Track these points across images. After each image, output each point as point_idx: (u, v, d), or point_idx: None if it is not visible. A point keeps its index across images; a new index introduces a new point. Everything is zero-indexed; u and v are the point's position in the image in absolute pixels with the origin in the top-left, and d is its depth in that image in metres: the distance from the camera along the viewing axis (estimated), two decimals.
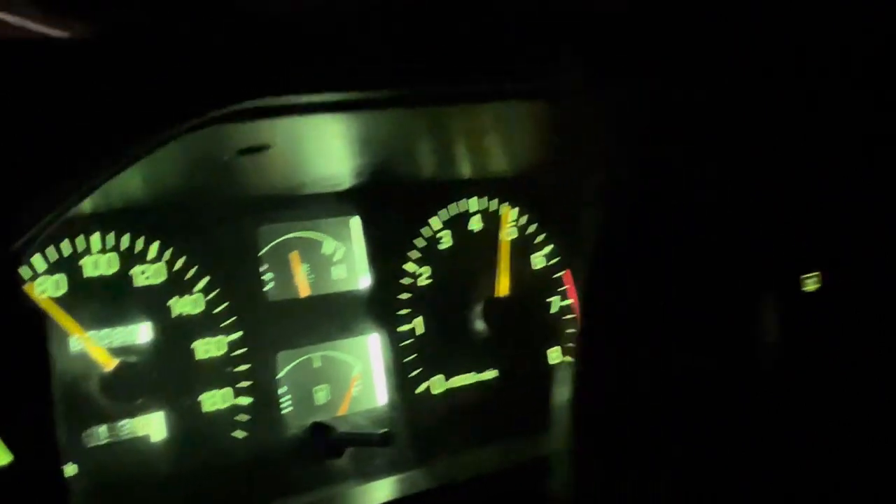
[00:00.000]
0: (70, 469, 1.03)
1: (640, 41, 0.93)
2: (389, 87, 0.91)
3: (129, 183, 0.99)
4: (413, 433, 1.25)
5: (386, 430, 1.12)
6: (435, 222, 1.32)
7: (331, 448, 1.15)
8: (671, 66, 0.88)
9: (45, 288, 1.04)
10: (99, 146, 0.80)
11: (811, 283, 0.74)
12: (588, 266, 0.64)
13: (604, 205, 0.65)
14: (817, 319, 0.75)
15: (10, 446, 0.80)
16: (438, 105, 0.96)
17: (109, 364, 1.05)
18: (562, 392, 0.66)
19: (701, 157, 0.70)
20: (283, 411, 1.18)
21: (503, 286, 1.35)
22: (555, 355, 1.40)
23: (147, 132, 0.81)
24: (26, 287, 1.02)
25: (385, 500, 1.09)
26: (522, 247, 1.39)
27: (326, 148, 1.06)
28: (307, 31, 0.88)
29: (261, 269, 1.19)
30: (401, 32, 0.91)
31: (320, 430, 1.16)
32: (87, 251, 1.07)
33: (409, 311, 1.29)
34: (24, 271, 1.02)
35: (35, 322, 0.82)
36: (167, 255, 1.12)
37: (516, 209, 1.39)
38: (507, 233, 1.37)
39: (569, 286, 1.41)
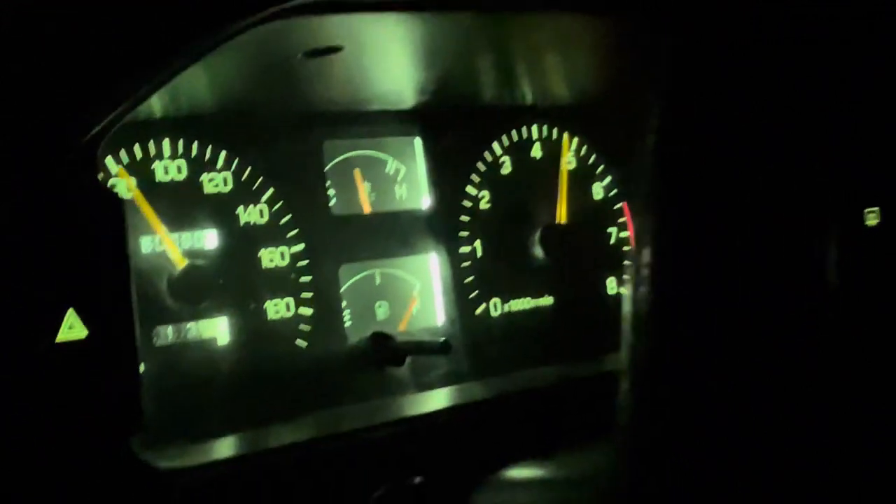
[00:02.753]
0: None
1: None
2: None
3: (198, 87, 1.01)
4: (470, 351, 1.26)
5: (444, 338, 1.13)
6: (496, 147, 1.33)
7: (391, 356, 1.17)
8: None
9: (119, 190, 1.06)
10: (166, 41, 0.82)
11: (872, 218, 0.74)
12: (648, 205, 0.63)
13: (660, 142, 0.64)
14: (879, 254, 0.74)
15: (87, 322, 0.83)
16: (502, 11, 0.97)
17: (181, 263, 1.08)
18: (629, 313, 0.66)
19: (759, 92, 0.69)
20: (344, 324, 1.20)
21: (562, 214, 1.36)
22: (612, 285, 1.41)
23: (214, 25, 0.82)
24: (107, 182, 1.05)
25: (441, 407, 1.11)
26: (582, 176, 1.40)
27: (391, 57, 1.07)
28: None
29: (325, 184, 1.21)
30: None
31: (381, 339, 1.18)
32: (158, 156, 1.10)
33: (468, 233, 1.30)
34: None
35: (113, 205, 0.85)
36: (234, 164, 1.14)
37: (577, 138, 1.39)
38: (567, 162, 1.38)
39: (628, 218, 1.42)
